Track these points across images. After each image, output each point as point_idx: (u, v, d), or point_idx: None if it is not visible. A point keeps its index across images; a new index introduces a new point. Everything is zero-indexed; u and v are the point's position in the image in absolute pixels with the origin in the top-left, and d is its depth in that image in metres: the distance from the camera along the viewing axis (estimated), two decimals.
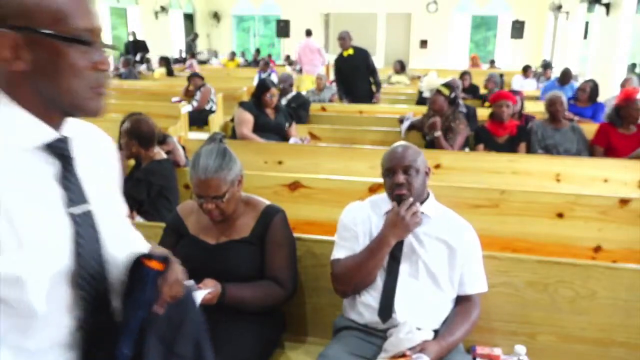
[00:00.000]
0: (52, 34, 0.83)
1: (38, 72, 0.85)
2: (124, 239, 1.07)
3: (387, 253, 1.76)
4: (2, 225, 0.82)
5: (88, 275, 0.93)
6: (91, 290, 0.94)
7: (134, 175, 2.92)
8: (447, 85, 4.21)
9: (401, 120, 4.51)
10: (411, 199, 1.77)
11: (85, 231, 0.93)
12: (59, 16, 0.83)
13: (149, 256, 1.02)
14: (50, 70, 0.85)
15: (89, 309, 0.95)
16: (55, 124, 0.91)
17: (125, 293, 1.01)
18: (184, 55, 14.59)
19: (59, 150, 0.91)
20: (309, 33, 9.28)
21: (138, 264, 1.01)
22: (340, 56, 6.52)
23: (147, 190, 2.83)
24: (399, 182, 1.78)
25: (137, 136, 2.85)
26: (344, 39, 6.42)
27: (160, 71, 10.62)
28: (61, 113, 0.91)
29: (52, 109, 0.89)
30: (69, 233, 0.91)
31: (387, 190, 1.86)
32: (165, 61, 10.74)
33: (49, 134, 0.90)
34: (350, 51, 6.42)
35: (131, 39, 13.22)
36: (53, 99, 0.88)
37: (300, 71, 9.39)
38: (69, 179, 0.92)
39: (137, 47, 12.66)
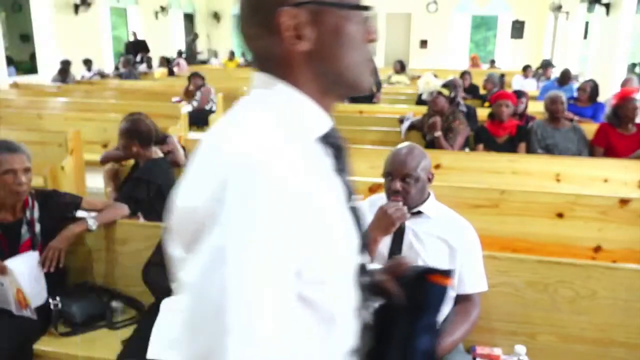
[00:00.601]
0: (339, 2, 0.76)
1: (320, 50, 0.76)
2: None
3: (375, 249, 1.76)
4: (315, 222, 0.70)
5: (366, 275, 0.83)
6: (365, 293, 0.84)
7: (133, 176, 2.92)
8: (446, 85, 4.22)
9: (401, 120, 4.51)
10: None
11: (363, 227, 0.83)
12: None
13: (433, 271, 0.87)
14: (333, 46, 0.76)
15: (366, 313, 0.84)
16: (328, 110, 0.82)
17: (411, 314, 0.87)
18: (183, 55, 14.62)
19: (335, 140, 0.82)
20: None
21: (423, 281, 0.87)
22: None
23: (147, 189, 2.82)
24: (395, 190, 1.79)
25: (138, 136, 2.85)
26: None
27: (161, 71, 10.61)
28: (334, 96, 0.83)
29: (327, 93, 0.81)
30: (354, 229, 0.80)
31: (385, 192, 1.87)
32: (165, 61, 10.74)
33: (328, 122, 0.81)
34: None
35: (131, 39, 13.23)
36: (333, 79, 0.79)
37: None
38: (345, 171, 0.82)
39: (137, 47, 12.66)
